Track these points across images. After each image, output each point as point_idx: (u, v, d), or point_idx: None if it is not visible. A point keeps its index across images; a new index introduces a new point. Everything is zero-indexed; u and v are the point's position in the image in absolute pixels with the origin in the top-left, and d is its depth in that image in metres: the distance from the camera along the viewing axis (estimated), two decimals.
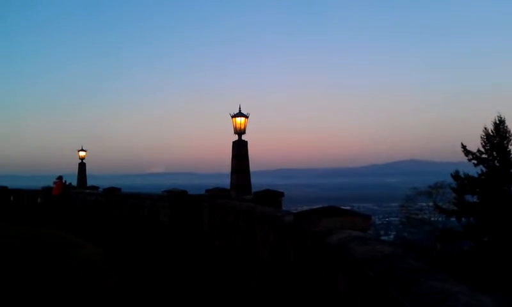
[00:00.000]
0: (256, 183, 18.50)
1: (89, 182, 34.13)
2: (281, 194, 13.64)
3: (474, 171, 34.23)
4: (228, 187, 17.17)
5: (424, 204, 53.82)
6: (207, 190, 16.15)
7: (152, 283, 8.68)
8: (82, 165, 34.07)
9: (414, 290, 2.56)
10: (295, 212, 8.67)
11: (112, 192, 23.93)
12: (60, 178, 26.93)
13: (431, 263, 3.07)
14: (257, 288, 8.26)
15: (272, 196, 13.24)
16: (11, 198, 34.83)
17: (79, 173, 34.03)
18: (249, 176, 17.60)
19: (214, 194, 15.23)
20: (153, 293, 7.96)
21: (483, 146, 33.82)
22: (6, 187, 36.53)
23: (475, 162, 33.97)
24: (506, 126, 33.42)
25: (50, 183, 29.88)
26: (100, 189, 27.48)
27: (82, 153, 33.90)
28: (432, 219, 51.27)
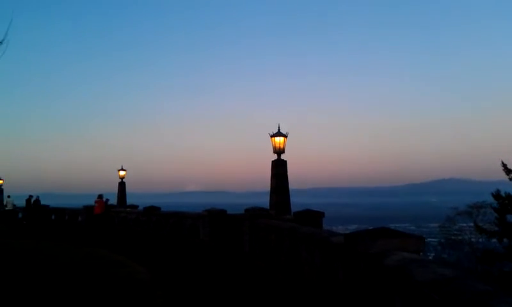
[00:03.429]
0: (291, 202, 18.53)
1: (128, 201, 34.83)
2: (322, 214, 13.61)
3: None
4: (266, 206, 17.22)
5: (464, 224, 52.64)
6: (246, 210, 16.22)
7: (198, 301, 8.78)
8: (122, 184, 34.81)
9: None
10: (339, 232, 8.68)
11: (152, 211, 24.31)
12: (101, 196, 27.57)
13: (498, 286, 3.05)
14: None
15: (313, 216, 13.23)
16: (53, 217, 35.79)
17: (119, 191, 34.77)
18: (289, 196, 17.65)
19: (255, 213, 15.29)
20: None
21: None
22: (48, 206, 37.56)
23: None
24: None
25: (91, 201, 30.64)
26: (139, 208, 27.98)
27: (122, 173, 34.65)
28: (472, 239, 50.00)
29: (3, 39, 9.04)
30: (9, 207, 36.39)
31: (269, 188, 18.56)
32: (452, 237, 53.30)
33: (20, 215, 37.08)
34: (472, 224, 46.91)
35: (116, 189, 35.47)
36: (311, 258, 8.41)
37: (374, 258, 5.02)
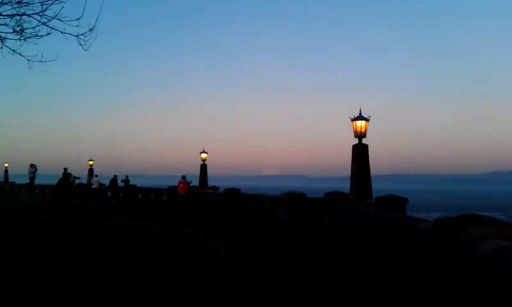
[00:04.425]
0: (373, 187, 18.18)
1: (209, 183, 35.78)
2: (406, 200, 13.25)
3: None
4: (345, 191, 17.01)
5: None
6: (326, 194, 16.14)
7: (278, 280, 8.92)
8: (203, 167, 35.74)
9: None
10: (425, 219, 8.42)
11: (233, 193, 24.84)
12: (184, 178, 28.54)
13: None
14: (387, 294, 8.13)
15: (396, 202, 12.91)
16: (139, 196, 37.58)
17: (200, 173, 35.76)
18: (370, 181, 17.34)
19: (335, 197, 15.20)
20: (280, 291, 8.18)
21: None
22: (135, 186, 39.48)
23: None
24: None
25: (173, 182, 31.89)
26: (220, 189, 28.68)
27: (204, 155, 35.56)
28: None
29: (93, 27, 9.44)
30: (95, 186, 38.77)
31: (347, 173, 18.35)
32: None
33: (109, 194, 39.26)
34: None
35: (197, 171, 36.54)
36: (395, 244, 8.25)
37: (465, 245, 4.85)
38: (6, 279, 8.28)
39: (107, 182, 39.74)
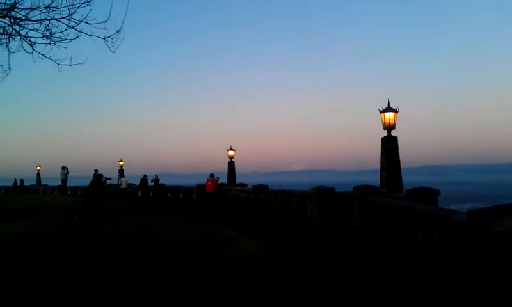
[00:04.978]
0: (402, 180, 17.94)
1: (237, 180, 35.92)
2: (438, 192, 13.04)
3: None
4: (373, 184, 16.85)
5: None
6: (355, 188, 16.03)
7: (310, 275, 8.90)
8: (231, 164, 35.90)
9: None
10: (458, 210, 8.27)
11: (261, 189, 24.88)
12: (212, 175, 28.72)
13: None
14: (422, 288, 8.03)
15: (427, 194, 12.71)
16: (169, 194, 38.03)
17: (228, 170, 35.94)
18: (400, 173, 17.15)
19: (364, 191, 15.07)
20: (312, 285, 8.16)
21: None
22: (164, 185, 39.97)
23: None
24: None
25: (201, 180, 32.15)
26: (248, 186, 28.77)
27: (231, 152, 35.71)
28: None
29: (120, 28, 9.54)
30: (123, 186, 39.41)
31: (375, 167, 18.19)
32: None
33: (139, 193, 39.85)
34: None
35: (224, 169, 36.72)
36: (428, 237, 8.12)
37: (500, 235, 4.75)
38: (48, 271, 8.54)
39: (137, 182, 40.33)
